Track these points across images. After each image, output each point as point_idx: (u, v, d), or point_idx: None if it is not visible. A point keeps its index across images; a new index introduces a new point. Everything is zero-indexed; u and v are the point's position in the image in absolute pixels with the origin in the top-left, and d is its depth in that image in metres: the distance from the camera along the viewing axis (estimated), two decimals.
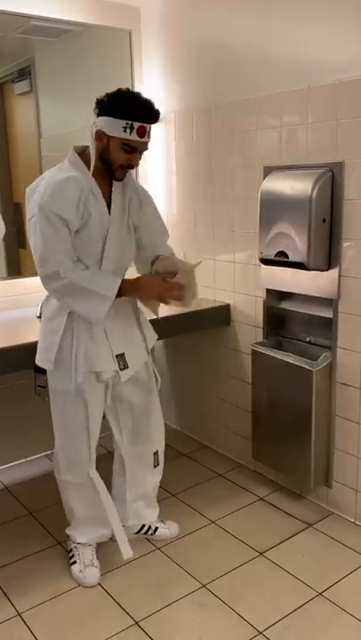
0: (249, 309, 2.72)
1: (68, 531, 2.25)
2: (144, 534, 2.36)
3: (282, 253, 2.29)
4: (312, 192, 2.15)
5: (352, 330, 2.28)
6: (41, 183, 1.87)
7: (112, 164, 1.88)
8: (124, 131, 1.80)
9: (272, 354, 2.48)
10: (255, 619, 1.93)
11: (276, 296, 2.57)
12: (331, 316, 2.34)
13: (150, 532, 2.36)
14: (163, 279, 1.95)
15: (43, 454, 3.08)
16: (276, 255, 2.31)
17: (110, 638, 1.88)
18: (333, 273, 2.27)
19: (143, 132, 1.83)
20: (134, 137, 1.82)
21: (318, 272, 2.28)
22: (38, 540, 2.38)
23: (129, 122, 1.79)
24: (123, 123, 1.79)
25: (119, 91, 1.85)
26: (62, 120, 2.93)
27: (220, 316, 2.83)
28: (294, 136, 2.34)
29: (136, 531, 2.35)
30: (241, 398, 2.85)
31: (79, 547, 2.19)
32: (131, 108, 1.80)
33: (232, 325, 2.84)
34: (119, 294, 1.91)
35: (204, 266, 2.89)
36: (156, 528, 2.37)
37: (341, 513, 2.47)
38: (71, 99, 2.92)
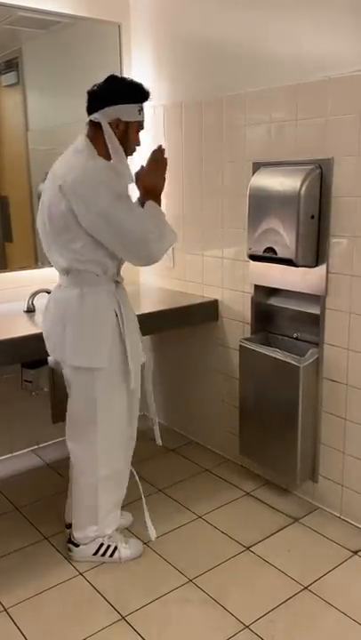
0: (237, 305, 2.72)
1: (94, 533, 2.17)
2: None
3: (270, 250, 2.29)
4: (301, 188, 2.16)
5: (339, 326, 2.29)
6: (89, 172, 1.87)
7: (128, 148, 1.98)
8: (139, 113, 1.94)
9: (259, 349, 2.49)
10: (241, 613, 1.94)
11: (264, 292, 2.58)
12: (318, 313, 2.35)
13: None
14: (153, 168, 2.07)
15: (28, 449, 3.06)
16: (264, 251, 2.32)
17: (97, 633, 1.88)
18: (321, 269, 2.28)
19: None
20: (143, 117, 1.97)
21: (306, 268, 2.29)
22: (24, 536, 2.37)
23: (140, 104, 1.93)
24: (137, 107, 1.92)
25: (117, 78, 1.96)
26: (50, 113, 2.91)
27: (208, 312, 2.83)
28: (283, 132, 2.34)
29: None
30: (228, 394, 2.85)
31: (109, 535, 2.21)
32: (140, 92, 1.93)
33: (220, 321, 2.84)
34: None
35: (193, 261, 2.90)
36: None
37: (327, 507, 2.49)
38: (59, 91, 2.89)
